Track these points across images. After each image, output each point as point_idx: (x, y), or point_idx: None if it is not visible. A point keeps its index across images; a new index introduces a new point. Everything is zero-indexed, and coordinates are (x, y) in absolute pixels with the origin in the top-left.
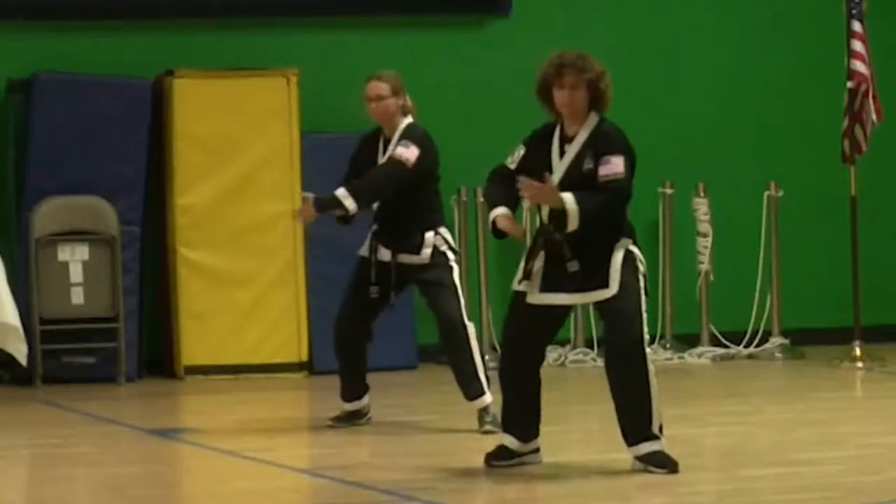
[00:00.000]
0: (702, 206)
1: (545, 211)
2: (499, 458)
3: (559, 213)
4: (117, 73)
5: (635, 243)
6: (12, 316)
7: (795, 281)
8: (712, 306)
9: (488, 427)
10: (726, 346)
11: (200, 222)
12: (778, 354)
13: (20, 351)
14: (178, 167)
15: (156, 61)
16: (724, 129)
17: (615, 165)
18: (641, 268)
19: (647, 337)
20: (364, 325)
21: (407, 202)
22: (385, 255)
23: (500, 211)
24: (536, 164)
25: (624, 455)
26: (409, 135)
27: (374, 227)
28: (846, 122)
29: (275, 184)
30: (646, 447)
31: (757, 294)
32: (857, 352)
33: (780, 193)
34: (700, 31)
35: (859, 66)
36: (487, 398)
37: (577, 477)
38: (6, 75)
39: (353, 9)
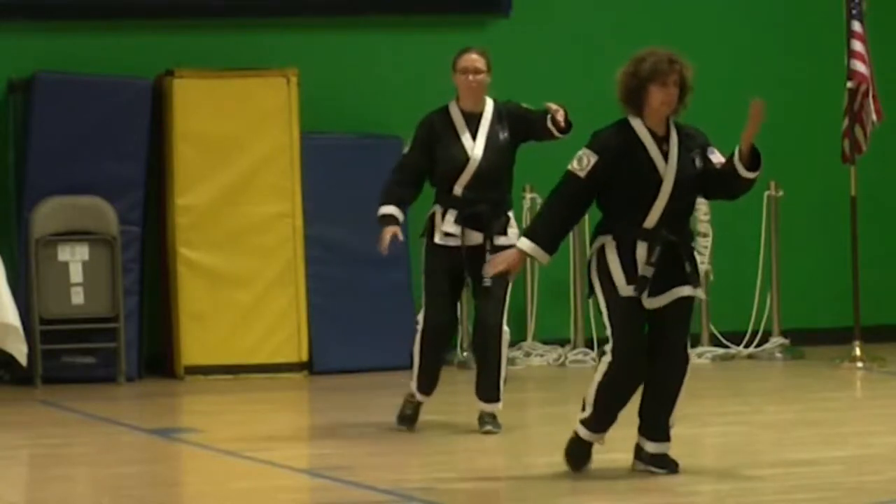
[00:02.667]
0: (702, 206)
1: (654, 216)
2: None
3: (749, 154)
4: (117, 73)
5: None
6: (12, 316)
7: (795, 281)
8: (712, 306)
9: (488, 428)
10: (726, 346)
11: (200, 222)
12: (778, 354)
13: (20, 351)
14: (178, 167)
15: (156, 61)
16: (723, 128)
17: (718, 155)
18: None
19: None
20: (455, 316)
21: (504, 179)
22: (477, 238)
23: (532, 249)
24: (635, 170)
25: (624, 455)
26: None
27: (452, 211)
28: (846, 122)
29: (275, 184)
30: (657, 447)
31: (757, 294)
32: (857, 352)
33: (780, 193)
34: (700, 32)
35: (859, 66)
36: (499, 406)
37: (578, 477)
38: (6, 75)
39: (353, 9)
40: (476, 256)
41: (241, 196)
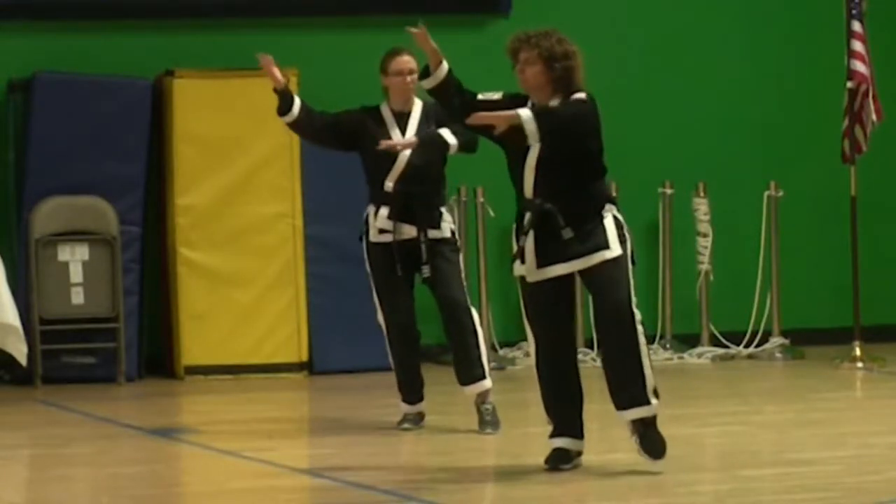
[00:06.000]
0: (702, 206)
1: (528, 186)
2: (560, 461)
3: (519, 132)
4: (117, 73)
5: (619, 210)
6: (12, 316)
7: (795, 281)
8: (712, 306)
9: (488, 430)
10: (726, 346)
11: (200, 222)
12: (778, 354)
13: (20, 351)
14: (178, 167)
15: (156, 61)
16: (724, 129)
17: (574, 97)
18: (628, 235)
19: (635, 301)
20: (414, 312)
21: (434, 174)
22: (410, 231)
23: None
24: (515, 134)
25: (624, 455)
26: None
27: (384, 207)
28: (846, 122)
29: (275, 184)
30: (636, 412)
31: (757, 294)
32: (857, 352)
33: (780, 193)
34: (700, 32)
35: (859, 66)
36: (487, 383)
37: (577, 477)
38: (6, 75)
39: (353, 9)
40: (409, 250)
41: (241, 196)
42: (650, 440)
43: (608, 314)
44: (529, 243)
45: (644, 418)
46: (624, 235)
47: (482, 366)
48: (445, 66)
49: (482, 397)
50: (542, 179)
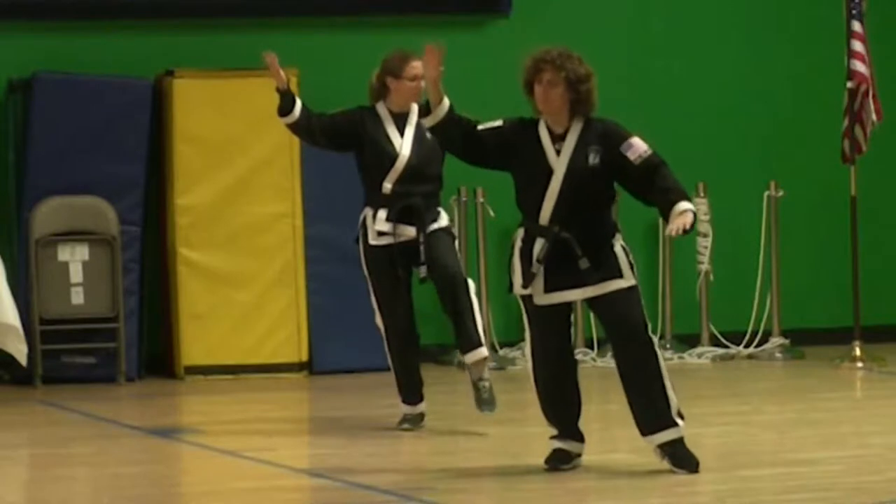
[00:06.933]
0: (702, 206)
1: (546, 213)
2: (560, 461)
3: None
4: (117, 73)
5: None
6: (12, 316)
7: (795, 281)
8: (712, 306)
9: (486, 399)
10: (726, 346)
11: (200, 222)
12: (778, 354)
13: (20, 351)
14: (178, 167)
15: (156, 61)
16: (724, 129)
17: (638, 145)
18: (633, 264)
19: (650, 325)
20: (413, 314)
21: (433, 175)
22: (409, 232)
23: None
24: (529, 158)
25: (624, 455)
26: None
27: (383, 210)
28: (846, 122)
29: (275, 184)
30: (664, 435)
31: (757, 294)
32: (857, 352)
33: (780, 193)
34: (700, 32)
35: (859, 66)
36: (483, 351)
37: (577, 477)
38: (6, 75)
39: (353, 9)
40: (408, 251)
41: (241, 196)
42: (681, 457)
43: (625, 343)
44: (541, 269)
45: (673, 440)
46: (632, 264)
47: (478, 331)
48: (447, 102)
49: (478, 370)
50: (563, 207)
